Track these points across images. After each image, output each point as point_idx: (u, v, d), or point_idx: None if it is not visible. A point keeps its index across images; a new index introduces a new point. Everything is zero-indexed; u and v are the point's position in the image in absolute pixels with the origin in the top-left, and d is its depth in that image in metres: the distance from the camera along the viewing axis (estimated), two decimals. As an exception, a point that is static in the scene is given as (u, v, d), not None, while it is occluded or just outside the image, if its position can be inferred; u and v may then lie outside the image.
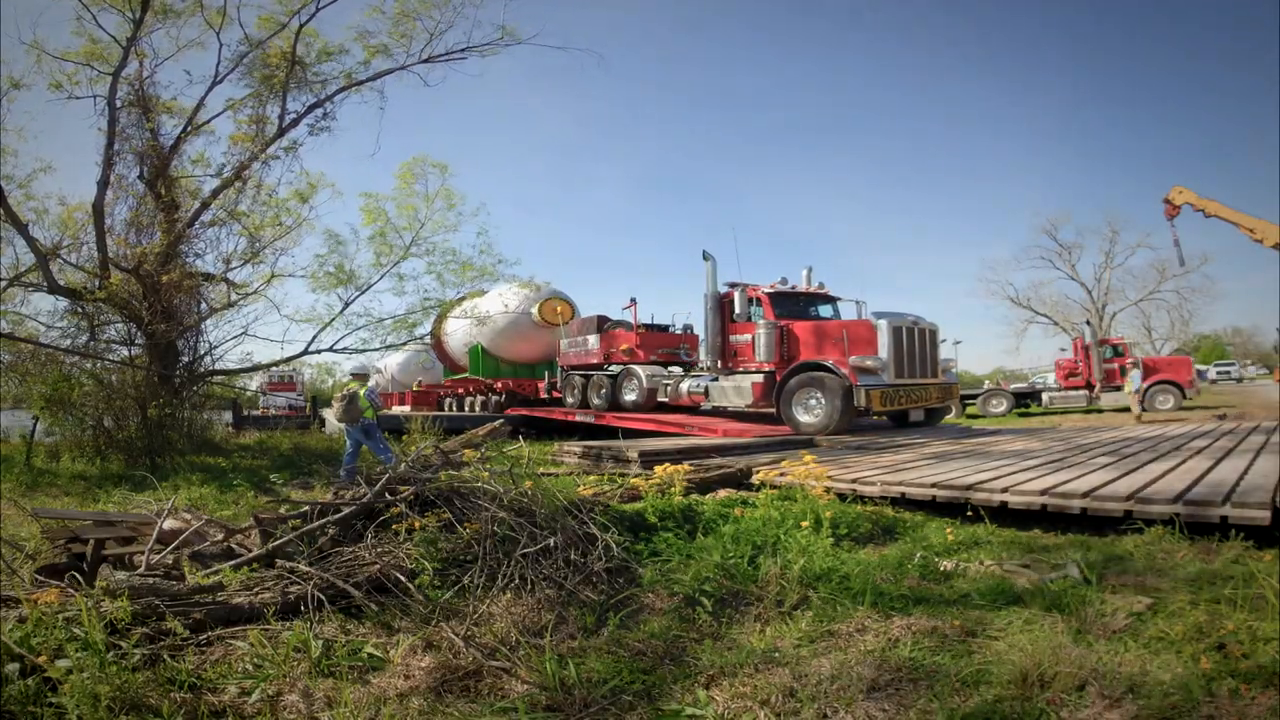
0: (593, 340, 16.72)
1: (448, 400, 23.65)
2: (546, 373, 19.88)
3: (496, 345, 19.84)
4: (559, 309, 18.84)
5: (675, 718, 2.47)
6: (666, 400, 14.62)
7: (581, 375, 16.85)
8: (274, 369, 20.38)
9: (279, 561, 3.57)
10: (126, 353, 13.39)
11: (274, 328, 52.11)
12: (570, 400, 17.21)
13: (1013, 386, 27.75)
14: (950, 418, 15.87)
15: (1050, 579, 3.86)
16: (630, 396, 15.25)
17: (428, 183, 14.16)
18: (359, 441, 9.65)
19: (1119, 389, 21.58)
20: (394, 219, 14.09)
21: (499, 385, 20.60)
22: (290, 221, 13.85)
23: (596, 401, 16.18)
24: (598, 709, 2.51)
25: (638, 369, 15.11)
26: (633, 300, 16.06)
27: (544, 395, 19.63)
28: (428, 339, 19.80)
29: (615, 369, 16.14)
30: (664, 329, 16.53)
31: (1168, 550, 4.30)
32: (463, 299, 17.98)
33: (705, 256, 13.13)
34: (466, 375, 21.41)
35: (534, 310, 18.79)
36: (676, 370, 15.64)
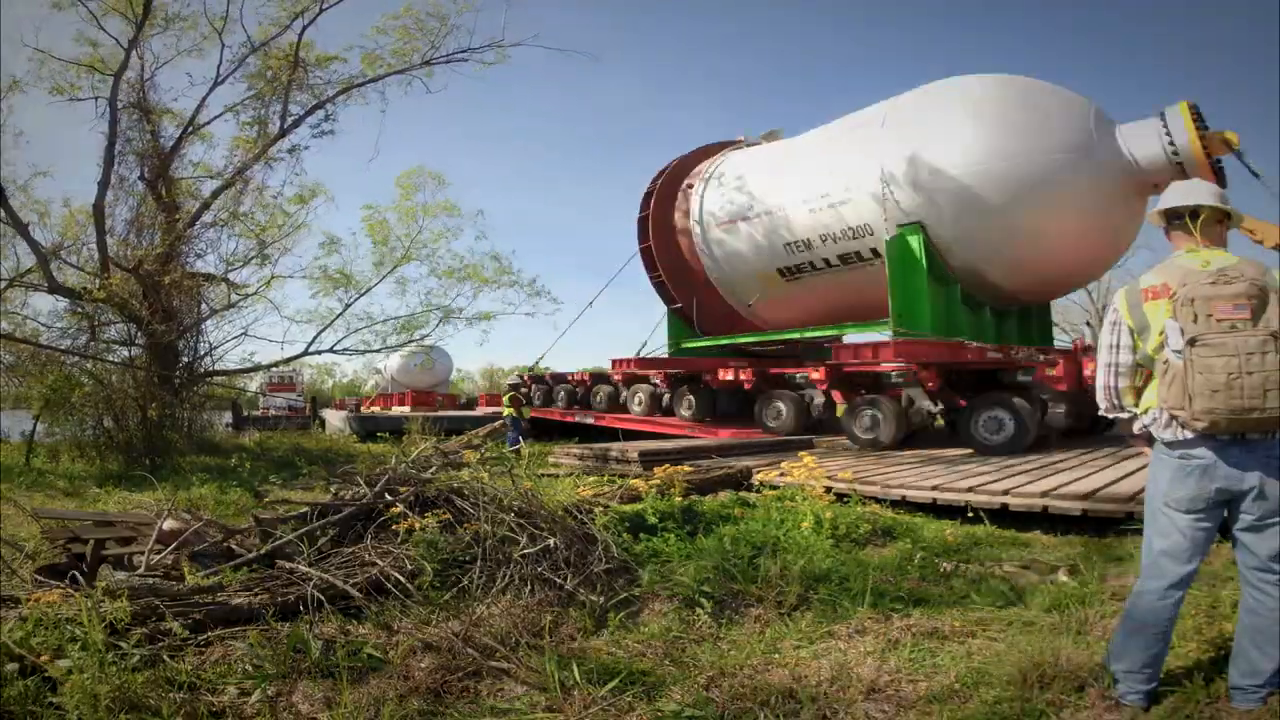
0: None
1: (678, 400, 12.24)
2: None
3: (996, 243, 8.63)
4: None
5: (675, 718, 2.47)
6: None
7: None
8: (274, 370, 20.36)
9: (279, 562, 3.57)
10: (126, 353, 13.39)
11: (274, 328, 52.21)
12: None
13: None
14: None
15: (1050, 580, 3.87)
16: None
17: (427, 193, 14.16)
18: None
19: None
20: (395, 229, 14.16)
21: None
22: (289, 225, 13.92)
23: None
24: (598, 709, 2.51)
25: None
26: None
27: None
28: (430, 336, 15.50)
29: None
30: None
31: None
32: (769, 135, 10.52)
33: None
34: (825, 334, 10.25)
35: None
36: None
